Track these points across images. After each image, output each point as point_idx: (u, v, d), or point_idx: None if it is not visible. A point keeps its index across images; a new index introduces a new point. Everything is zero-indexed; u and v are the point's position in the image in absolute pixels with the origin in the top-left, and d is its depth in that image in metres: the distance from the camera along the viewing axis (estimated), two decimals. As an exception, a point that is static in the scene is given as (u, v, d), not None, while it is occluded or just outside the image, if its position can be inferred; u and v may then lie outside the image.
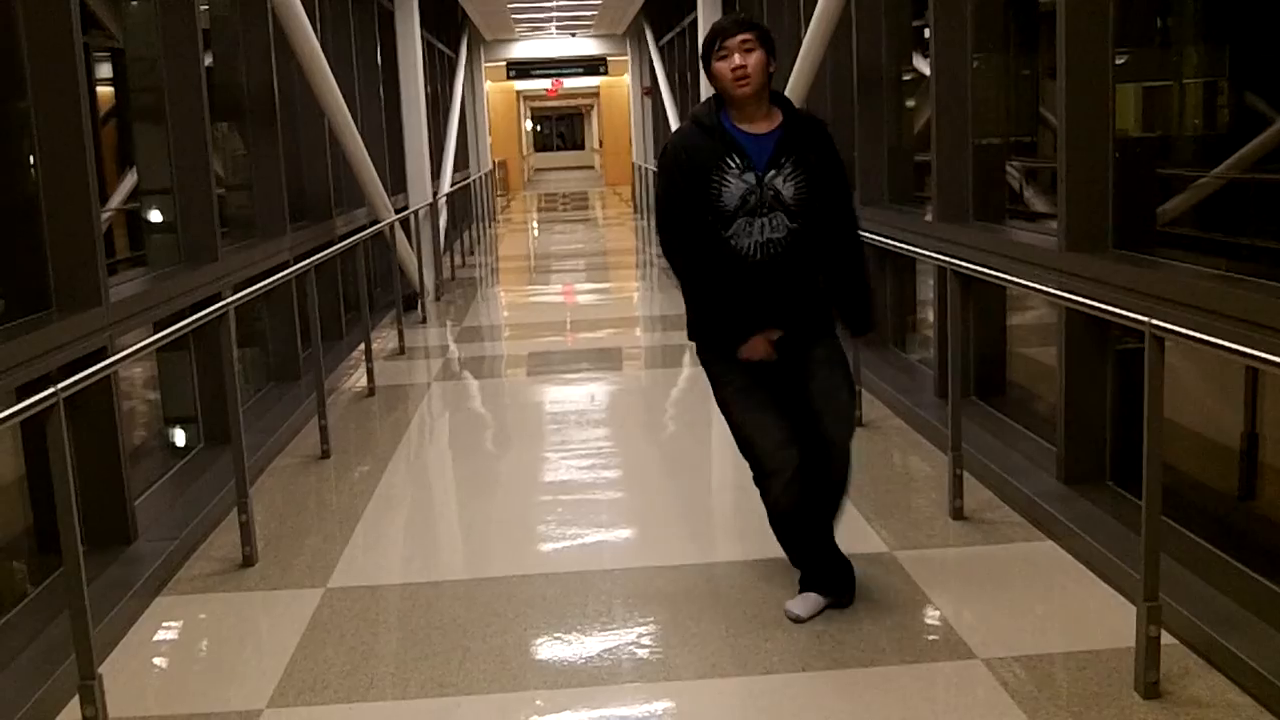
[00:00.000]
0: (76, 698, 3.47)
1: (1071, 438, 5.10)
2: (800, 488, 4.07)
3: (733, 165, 3.95)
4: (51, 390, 3.35)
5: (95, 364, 3.95)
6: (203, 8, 6.75)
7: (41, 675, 3.69)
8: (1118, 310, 3.85)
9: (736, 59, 3.93)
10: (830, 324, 4.17)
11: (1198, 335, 3.36)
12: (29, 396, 3.32)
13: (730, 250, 3.97)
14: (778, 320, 4.05)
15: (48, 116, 4.64)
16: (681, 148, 4.03)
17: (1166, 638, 3.60)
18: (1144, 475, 3.44)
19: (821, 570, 4.24)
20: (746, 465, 6.65)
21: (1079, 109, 4.94)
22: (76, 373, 3.71)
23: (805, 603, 4.19)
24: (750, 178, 3.94)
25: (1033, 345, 6.50)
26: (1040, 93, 6.40)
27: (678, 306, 13.06)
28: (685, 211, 4.00)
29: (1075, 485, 5.04)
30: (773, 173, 3.96)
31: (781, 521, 4.22)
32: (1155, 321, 3.43)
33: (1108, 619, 4.02)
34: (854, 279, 4.22)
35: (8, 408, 3.27)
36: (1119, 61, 4.94)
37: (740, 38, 3.94)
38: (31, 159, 4.67)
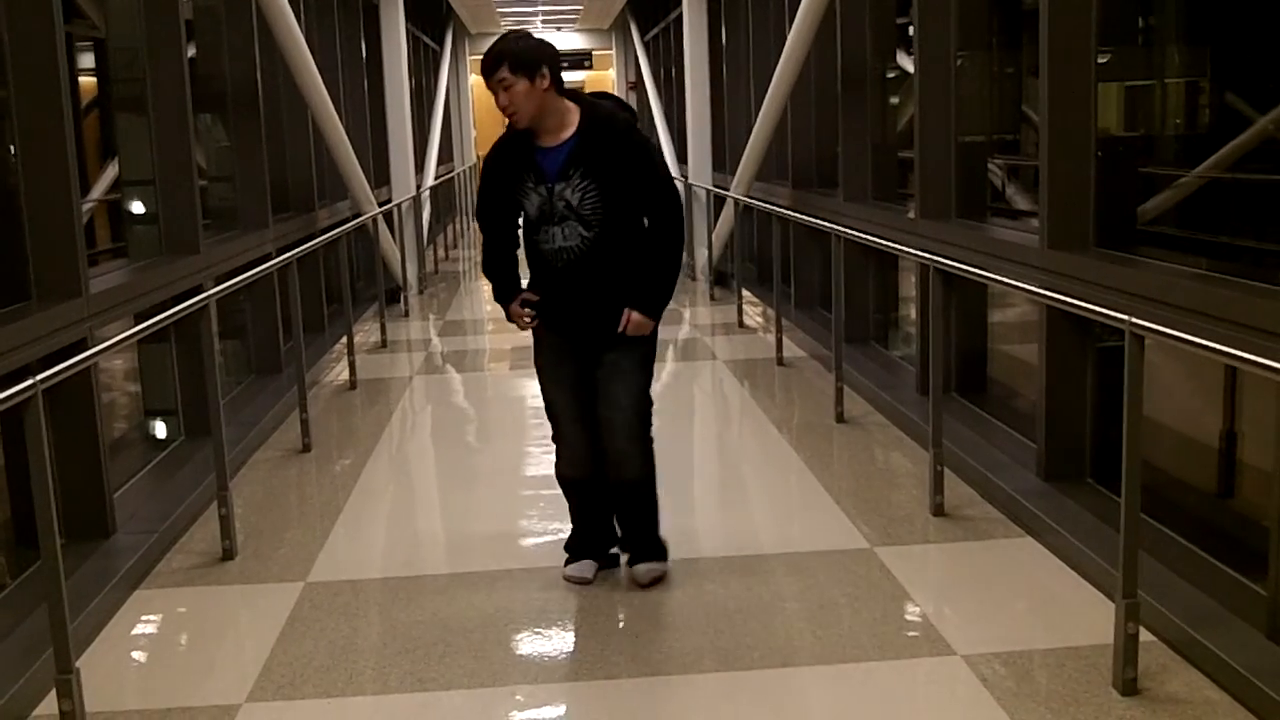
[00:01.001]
0: (54, 691, 3.45)
1: (1052, 435, 5.12)
2: (584, 466, 4.45)
3: (530, 178, 4.17)
4: (30, 382, 3.33)
5: (75, 356, 3.93)
6: (185, -2, 6.72)
7: (18, 669, 3.67)
8: (1098, 308, 3.86)
9: (501, 98, 4.09)
10: (654, 319, 4.32)
11: (1178, 334, 3.38)
12: (7, 388, 3.30)
13: (540, 252, 4.24)
14: (578, 319, 4.29)
15: (29, 106, 4.61)
16: (496, 158, 4.31)
17: (1145, 634, 3.61)
18: (1123, 472, 3.46)
19: (593, 538, 4.58)
20: (731, 461, 6.68)
21: (1061, 107, 4.95)
22: (56, 364, 3.68)
23: (583, 568, 4.52)
24: (544, 189, 4.15)
25: (1014, 342, 6.52)
26: (1023, 91, 6.41)
27: (661, 301, 12.86)
28: (493, 210, 4.34)
29: (1055, 482, 5.06)
30: (561, 184, 4.12)
31: (562, 484, 4.59)
32: (1135, 320, 3.44)
33: (1087, 616, 4.04)
34: (655, 274, 4.30)
35: (-14, 400, 3.25)
36: (1101, 60, 4.96)
37: (496, 78, 4.07)
38: (12, 149, 4.64)
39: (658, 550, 4.53)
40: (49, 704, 3.55)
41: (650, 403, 4.43)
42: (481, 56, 4.14)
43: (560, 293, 4.26)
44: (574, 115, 4.16)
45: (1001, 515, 5.04)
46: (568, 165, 4.10)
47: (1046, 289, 4.61)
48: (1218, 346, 3.24)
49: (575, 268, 4.18)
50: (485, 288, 14.42)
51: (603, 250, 4.16)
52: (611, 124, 4.20)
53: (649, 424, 4.43)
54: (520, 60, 4.04)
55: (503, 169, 4.25)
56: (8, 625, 4.00)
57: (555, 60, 4.11)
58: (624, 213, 4.17)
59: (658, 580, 4.43)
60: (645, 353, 4.35)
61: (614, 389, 4.29)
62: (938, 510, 5.10)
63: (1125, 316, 3.49)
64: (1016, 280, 4.85)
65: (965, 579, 4.54)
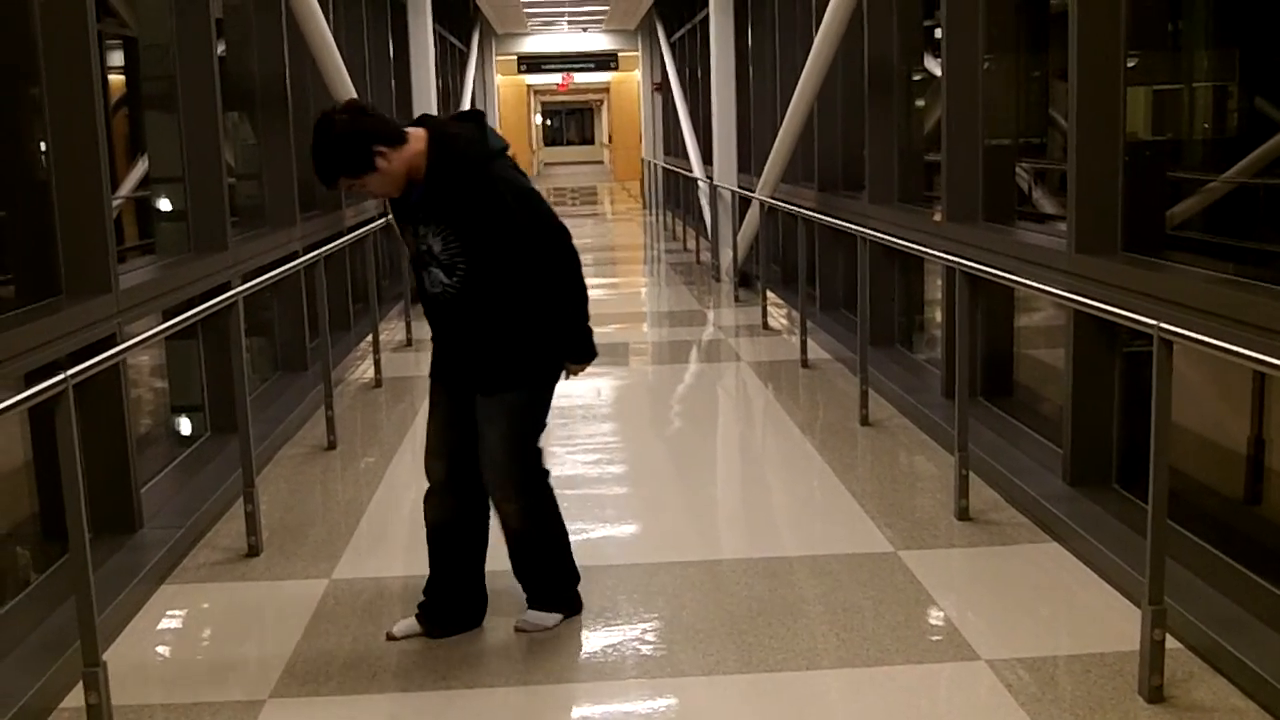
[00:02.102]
0: (80, 684, 3.47)
1: (1078, 439, 5.09)
2: (443, 507, 4.08)
3: (403, 215, 3.92)
4: (61, 376, 3.35)
5: (104, 351, 3.96)
6: (216, -3, 6.76)
7: (46, 662, 3.71)
8: (1126, 313, 3.85)
9: (363, 191, 3.87)
10: (505, 381, 3.92)
11: (1206, 339, 3.36)
12: (38, 383, 3.33)
13: (423, 290, 3.95)
14: (452, 363, 4.00)
15: (61, 103, 4.64)
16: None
17: (1171, 641, 3.60)
18: (1150, 478, 3.44)
19: (440, 598, 4.15)
20: (754, 463, 6.67)
21: (1090, 111, 4.93)
22: (85, 359, 3.71)
23: (406, 625, 4.13)
24: (413, 229, 3.88)
25: (1040, 347, 6.50)
26: (1050, 94, 6.39)
27: (684, 302, 13.08)
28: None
29: (1081, 487, 5.04)
30: (424, 229, 3.82)
31: (427, 529, 4.16)
32: (1164, 325, 3.43)
33: (1112, 622, 4.02)
34: (568, 322, 3.96)
35: (17, 394, 3.28)
36: (1130, 64, 4.93)
37: (344, 187, 3.82)
38: (44, 145, 4.67)
39: (546, 599, 4.16)
40: (76, 696, 3.57)
41: (529, 451, 4.03)
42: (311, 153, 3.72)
43: (437, 334, 4.02)
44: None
45: (1027, 520, 5.03)
46: (424, 210, 3.81)
47: (1074, 293, 4.59)
48: (1246, 352, 3.23)
49: (445, 312, 3.91)
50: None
51: (467, 298, 3.83)
52: (459, 164, 3.77)
53: (528, 472, 4.04)
54: (352, 165, 3.70)
55: (398, 199, 3.91)
56: (36, 618, 4.03)
57: (379, 128, 3.73)
58: (489, 258, 3.80)
59: (530, 631, 4.09)
60: (512, 402, 3.94)
61: (483, 434, 3.96)
62: (962, 514, 5.09)
63: (1153, 321, 3.48)
64: (1043, 284, 4.83)
65: (990, 584, 4.53)
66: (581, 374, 4.12)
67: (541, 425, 4.08)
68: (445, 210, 3.78)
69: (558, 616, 4.15)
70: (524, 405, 3.99)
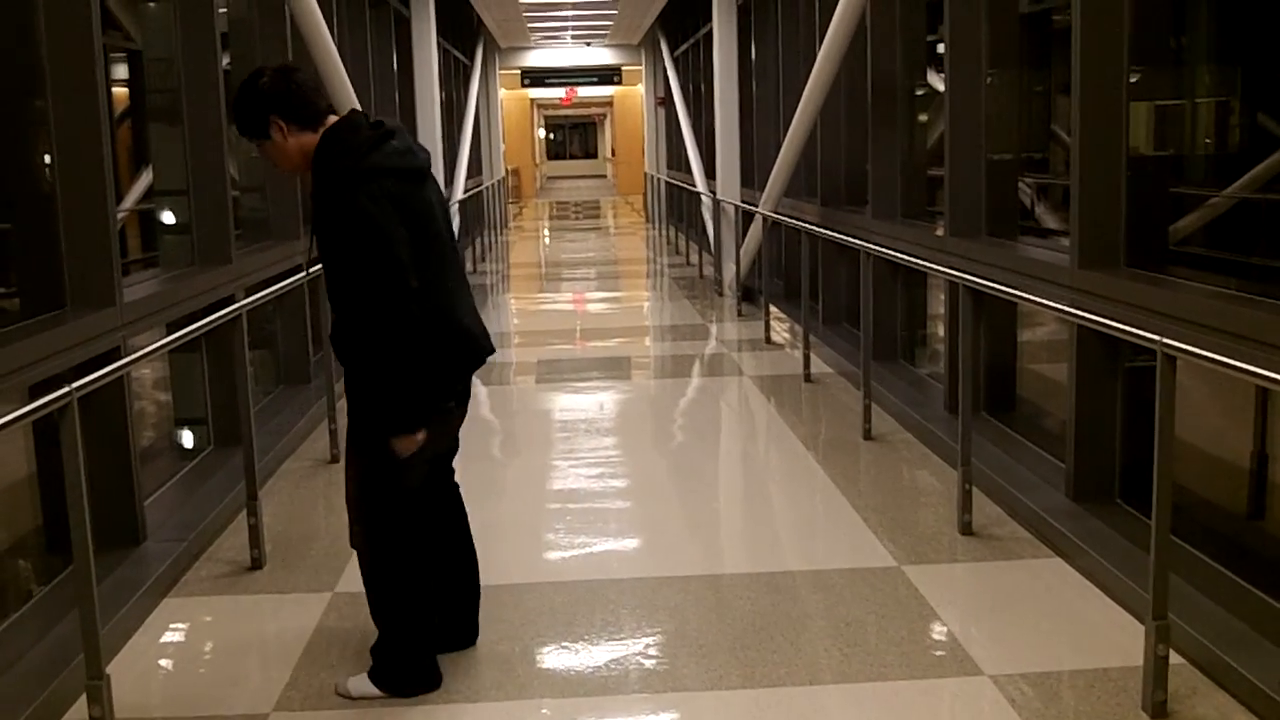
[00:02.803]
0: (84, 697, 3.47)
1: (1081, 454, 5.09)
2: None
3: None
4: (65, 390, 3.36)
5: (108, 364, 3.97)
6: (221, 10, 6.78)
7: (49, 674, 3.71)
8: (1129, 329, 3.85)
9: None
10: (352, 416, 3.60)
11: (1209, 355, 3.36)
12: (42, 396, 3.34)
13: None
14: None
15: (66, 116, 4.66)
16: None
17: (1175, 657, 3.59)
18: (1154, 493, 3.44)
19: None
20: (757, 478, 6.67)
21: (1093, 126, 4.94)
22: (90, 373, 3.72)
23: None
24: None
25: (1043, 361, 6.50)
26: (1053, 109, 6.40)
27: (687, 317, 13.07)
28: None
29: (1084, 502, 5.04)
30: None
31: None
32: (1167, 340, 3.43)
33: (1116, 637, 4.02)
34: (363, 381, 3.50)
35: (22, 406, 3.29)
36: (1133, 79, 4.95)
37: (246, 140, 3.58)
38: (48, 158, 4.69)
39: (374, 668, 3.79)
40: (79, 709, 3.58)
41: (376, 498, 3.64)
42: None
43: None
44: None
45: (1030, 535, 5.02)
46: (311, 211, 3.53)
47: (1077, 308, 4.59)
48: (1250, 368, 3.23)
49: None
50: (512, 301, 14.53)
51: (334, 320, 3.51)
52: (321, 168, 3.42)
53: (373, 513, 3.67)
54: (245, 123, 3.49)
55: None
56: (39, 631, 4.03)
57: (287, 99, 3.43)
58: (337, 280, 3.42)
59: (340, 694, 3.77)
60: (364, 442, 3.59)
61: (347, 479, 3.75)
62: (965, 529, 5.09)
63: (1157, 337, 3.48)
64: (1046, 299, 4.84)
65: (993, 599, 4.52)
66: (407, 449, 3.49)
67: (400, 477, 3.59)
68: (314, 213, 3.46)
69: (373, 692, 3.74)
70: (369, 449, 3.58)
